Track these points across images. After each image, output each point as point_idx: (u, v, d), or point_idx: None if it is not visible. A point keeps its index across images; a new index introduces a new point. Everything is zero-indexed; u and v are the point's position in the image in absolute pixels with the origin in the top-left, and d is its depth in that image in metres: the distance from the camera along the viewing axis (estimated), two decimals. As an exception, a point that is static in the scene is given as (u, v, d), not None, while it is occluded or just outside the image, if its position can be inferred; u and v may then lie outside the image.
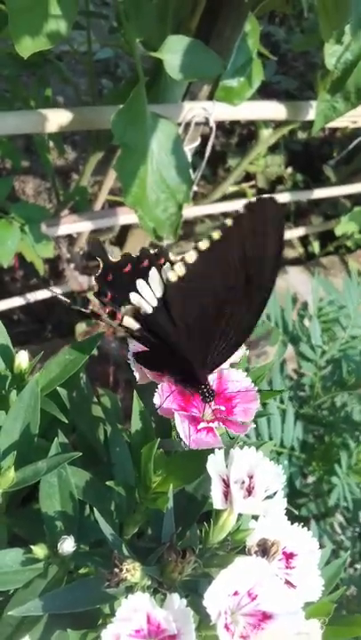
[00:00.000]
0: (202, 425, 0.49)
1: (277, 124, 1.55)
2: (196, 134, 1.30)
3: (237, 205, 1.67)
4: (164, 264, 0.52)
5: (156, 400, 0.49)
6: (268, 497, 0.45)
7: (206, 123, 1.26)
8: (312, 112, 1.39)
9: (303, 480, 1.17)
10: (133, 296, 0.51)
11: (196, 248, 0.47)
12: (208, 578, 0.44)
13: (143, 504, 0.53)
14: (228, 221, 0.47)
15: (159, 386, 0.50)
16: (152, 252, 0.52)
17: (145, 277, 0.51)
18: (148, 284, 0.51)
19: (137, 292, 0.51)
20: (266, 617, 0.41)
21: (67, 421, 0.55)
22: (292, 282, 1.90)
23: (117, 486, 0.50)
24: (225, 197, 1.80)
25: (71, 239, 1.72)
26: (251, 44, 1.23)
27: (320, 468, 1.11)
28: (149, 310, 0.51)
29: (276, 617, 0.40)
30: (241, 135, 2.26)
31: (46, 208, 1.51)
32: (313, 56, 2.29)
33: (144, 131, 1.01)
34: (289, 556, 0.48)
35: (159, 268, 0.52)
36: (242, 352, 0.54)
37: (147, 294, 0.51)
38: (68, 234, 1.66)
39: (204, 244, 0.47)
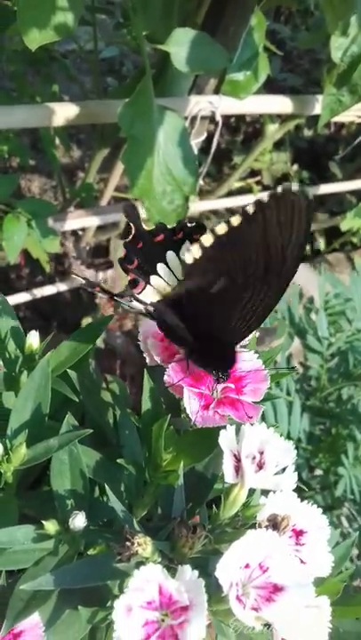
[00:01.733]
0: (212, 405, 0.49)
1: (283, 120, 1.55)
2: (203, 128, 1.31)
3: (243, 201, 1.67)
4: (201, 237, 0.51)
5: (167, 378, 0.50)
6: (279, 472, 0.45)
7: (213, 117, 1.27)
8: (318, 106, 1.39)
9: (310, 473, 1.17)
10: (160, 267, 0.51)
11: (212, 231, 0.47)
12: (218, 554, 0.45)
13: (153, 483, 0.53)
14: (250, 208, 0.46)
15: (170, 365, 0.50)
16: (189, 224, 0.52)
17: (177, 249, 0.51)
18: (178, 256, 0.51)
19: (165, 263, 0.51)
20: (277, 589, 0.41)
21: (77, 400, 0.56)
22: (298, 278, 1.89)
23: (128, 464, 0.51)
24: (230, 194, 1.80)
25: (77, 236, 1.73)
26: (257, 38, 1.23)
27: (327, 459, 1.11)
28: (175, 283, 0.51)
29: (286, 589, 0.41)
30: (246, 133, 2.26)
31: (53, 204, 1.52)
32: (318, 53, 2.30)
33: (151, 123, 1.02)
34: (299, 534, 0.48)
35: (193, 242, 0.51)
36: (251, 334, 0.55)
37: (176, 267, 0.51)
38: (74, 231, 1.67)
39: (221, 229, 0.46)
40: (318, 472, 1.19)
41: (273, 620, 0.40)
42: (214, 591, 0.44)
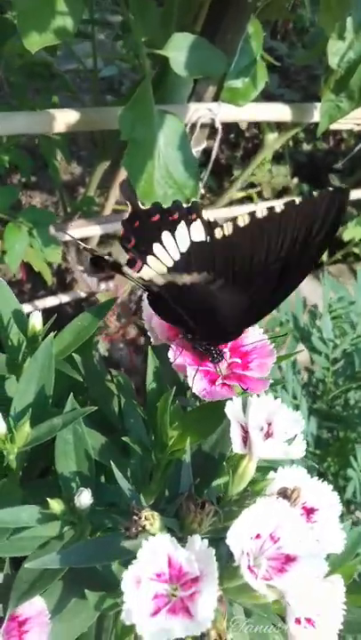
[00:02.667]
0: (218, 380, 0.48)
1: (282, 129, 1.56)
2: (202, 136, 1.31)
3: (244, 210, 1.68)
4: (195, 220, 0.52)
5: (171, 355, 0.49)
6: (288, 442, 0.44)
7: (212, 124, 1.28)
8: (317, 114, 1.40)
9: (319, 479, 1.15)
10: (157, 247, 0.51)
11: (250, 214, 0.47)
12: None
13: (160, 467, 0.52)
14: (296, 199, 0.46)
15: (174, 343, 0.50)
16: (185, 206, 0.52)
17: (172, 230, 0.51)
18: (173, 237, 0.51)
19: (161, 243, 0.51)
20: (289, 560, 0.40)
21: (82, 382, 0.55)
22: (302, 290, 1.89)
23: (133, 444, 0.50)
24: (231, 204, 1.81)
25: (79, 250, 1.73)
26: (254, 46, 1.24)
27: (336, 463, 1.09)
28: (170, 264, 0.51)
29: (298, 560, 0.39)
30: (246, 148, 2.28)
31: (53, 213, 1.53)
32: (315, 69, 2.33)
33: (151, 126, 1.03)
34: (310, 511, 0.47)
35: (189, 224, 0.51)
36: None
37: (171, 248, 0.51)
38: (77, 244, 1.68)
39: (261, 213, 0.47)
40: (327, 478, 1.17)
41: (285, 590, 0.38)
42: (225, 568, 0.42)
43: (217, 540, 0.45)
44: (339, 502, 0.47)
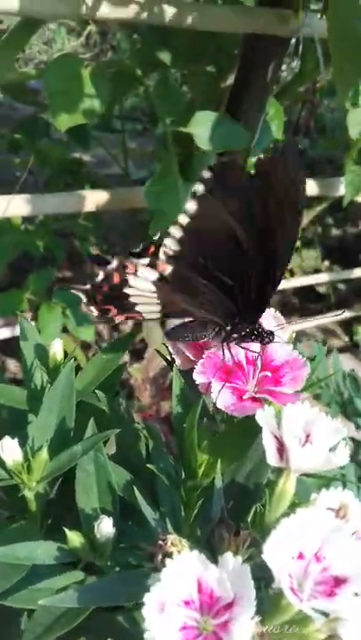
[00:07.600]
0: (247, 395, 0.45)
1: (308, 207, 1.59)
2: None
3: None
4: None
5: (200, 378, 0.45)
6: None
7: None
8: (342, 187, 1.42)
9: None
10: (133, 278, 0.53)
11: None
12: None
13: (191, 503, 0.47)
14: (251, 171, 0.46)
15: (199, 362, 0.47)
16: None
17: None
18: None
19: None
20: (339, 582, 0.34)
21: (105, 413, 0.51)
22: (342, 366, 1.84)
23: (160, 474, 0.45)
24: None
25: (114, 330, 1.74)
26: (275, 126, 1.29)
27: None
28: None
29: (350, 580, 0.34)
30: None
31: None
32: (339, 159, 2.40)
33: (177, 195, 1.05)
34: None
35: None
36: (288, 333, 0.51)
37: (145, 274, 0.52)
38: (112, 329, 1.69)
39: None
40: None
41: (338, 615, 0.33)
42: (269, 605, 0.37)
43: (259, 579, 0.39)
44: None
